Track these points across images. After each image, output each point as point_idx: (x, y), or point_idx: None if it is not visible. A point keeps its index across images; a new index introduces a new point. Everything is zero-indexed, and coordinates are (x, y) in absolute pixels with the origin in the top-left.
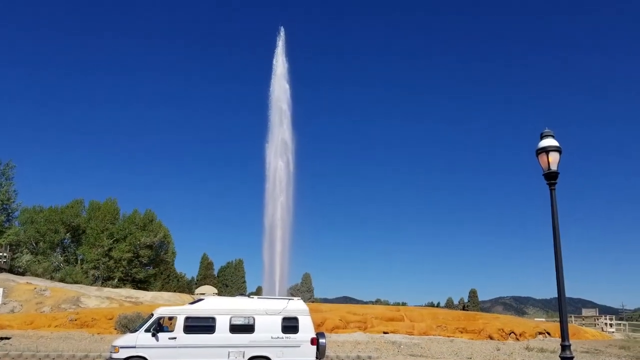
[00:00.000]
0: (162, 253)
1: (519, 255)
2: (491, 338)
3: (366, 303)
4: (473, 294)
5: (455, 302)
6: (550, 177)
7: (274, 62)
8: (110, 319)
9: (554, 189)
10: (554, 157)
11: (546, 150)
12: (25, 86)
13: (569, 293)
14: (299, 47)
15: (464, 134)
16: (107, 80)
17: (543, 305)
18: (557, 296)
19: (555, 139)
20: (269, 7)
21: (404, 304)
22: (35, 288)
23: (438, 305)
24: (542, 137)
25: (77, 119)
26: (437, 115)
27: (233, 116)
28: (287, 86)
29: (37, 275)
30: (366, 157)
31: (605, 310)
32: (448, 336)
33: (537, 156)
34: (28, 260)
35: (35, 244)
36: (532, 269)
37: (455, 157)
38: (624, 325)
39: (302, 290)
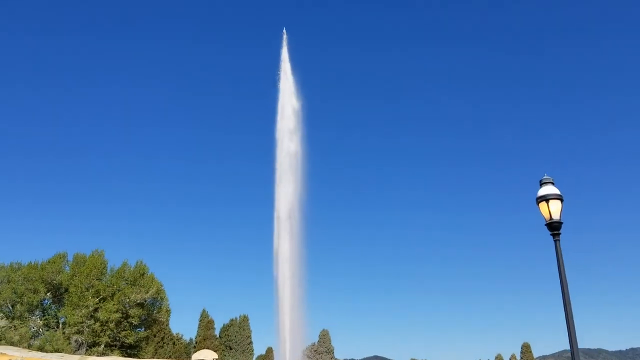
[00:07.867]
0: (154, 312)
1: (583, 299)
2: None
3: None
4: (526, 348)
5: (506, 358)
6: (554, 227)
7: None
8: None
9: (559, 239)
10: (556, 206)
11: (546, 198)
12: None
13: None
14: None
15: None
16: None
17: (618, 359)
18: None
19: (556, 186)
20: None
21: None
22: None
23: None
24: (541, 184)
25: (60, 165)
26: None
27: (232, 162)
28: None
29: (12, 344)
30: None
31: None
32: None
33: (538, 205)
34: (3, 327)
35: (12, 306)
36: (603, 316)
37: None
38: None
39: (320, 350)
